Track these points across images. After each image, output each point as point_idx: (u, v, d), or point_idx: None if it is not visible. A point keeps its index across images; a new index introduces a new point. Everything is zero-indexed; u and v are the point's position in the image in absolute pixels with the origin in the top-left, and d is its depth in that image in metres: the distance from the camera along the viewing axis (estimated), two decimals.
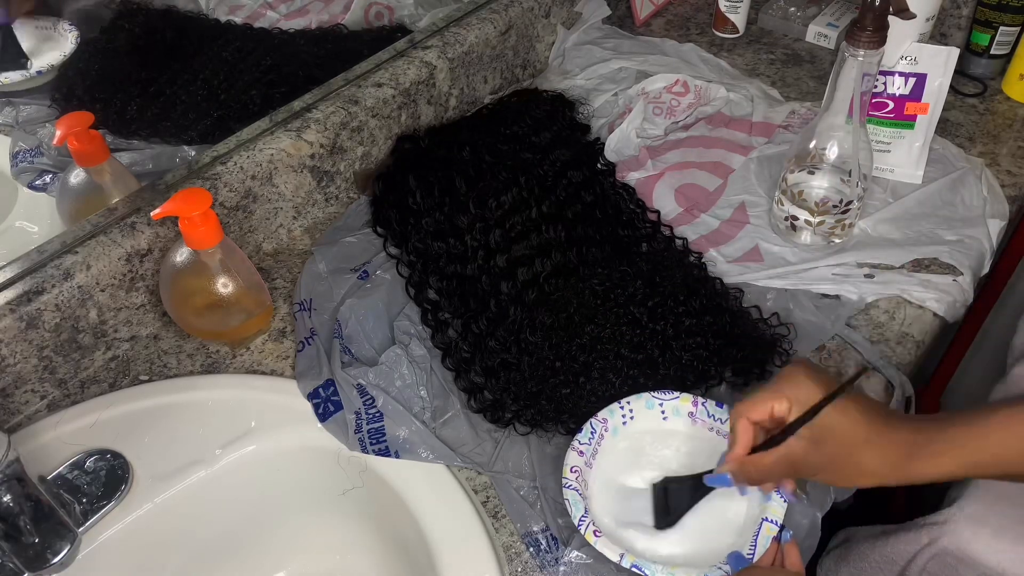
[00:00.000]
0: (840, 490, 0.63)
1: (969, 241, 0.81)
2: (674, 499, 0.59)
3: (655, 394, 0.65)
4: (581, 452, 0.61)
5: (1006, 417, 0.52)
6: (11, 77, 0.70)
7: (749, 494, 0.59)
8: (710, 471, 0.58)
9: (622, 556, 0.55)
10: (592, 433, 0.63)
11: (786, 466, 0.54)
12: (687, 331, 0.70)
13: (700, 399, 0.64)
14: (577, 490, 0.59)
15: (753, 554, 0.56)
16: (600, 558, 0.58)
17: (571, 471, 0.60)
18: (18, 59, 0.70)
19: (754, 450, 0.56)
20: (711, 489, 0.58)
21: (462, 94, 0.97)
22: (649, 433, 0.65)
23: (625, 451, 0.64)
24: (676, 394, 0.65)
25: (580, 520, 0.57)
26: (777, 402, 0.54)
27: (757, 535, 0.57)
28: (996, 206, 0.85)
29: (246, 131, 0.81)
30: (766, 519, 0.57)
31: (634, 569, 0.55)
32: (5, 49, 0.70)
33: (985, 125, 0.97)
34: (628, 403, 0.64)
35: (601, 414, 0.64)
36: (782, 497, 0.58)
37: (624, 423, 0.64)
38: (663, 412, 0.65)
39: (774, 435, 0.55)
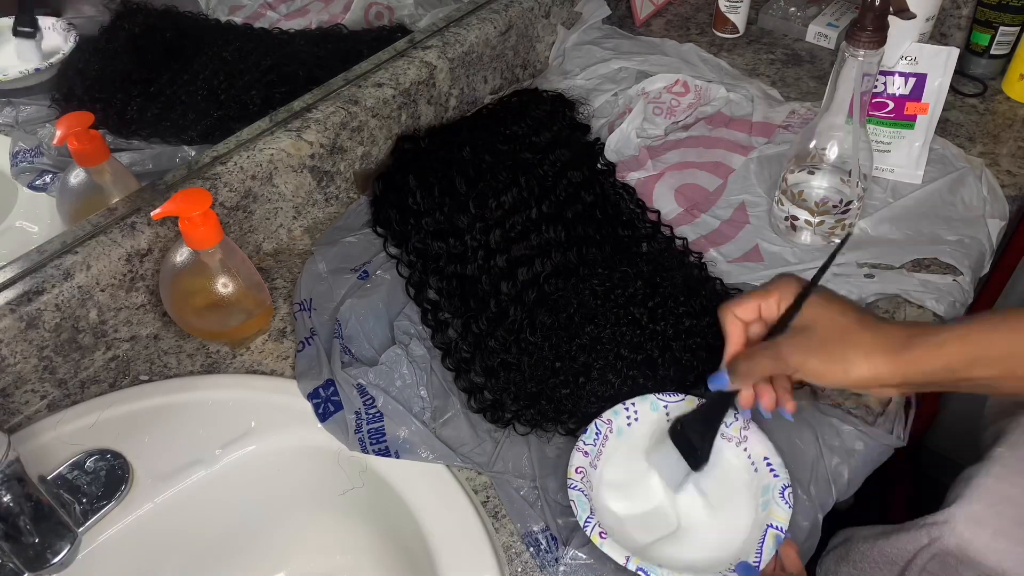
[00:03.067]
0: (841, 489, 0.63)
1: (969, 241, 0.81)
2: (694, 435, 0.60)
3: (660, 396, 0.65)
4: (586, 453, 0.61)
5: (1012, 315, 0.50)
6: (9, 74, 0.70)
7: (749, 416, 0.60)
8: (716, 396, 0.59)
9: (628, 558, 0.55)
10: (597, 434, 0.63)
11: (774, 355, 0.53)
12: (687, 332, 0.70)
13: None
14: (583, 491, 0.59)
15: (759, 562, 0.56)
16: (600, 558, 0.58)
17: (576, 472, 0.60)
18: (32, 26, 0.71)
19: None
20: (724, 411, 0.60)
21: (462, 94, 0.97)
22: (653, 435, 0.64)
23: (629, 453, 0.64)
24: (681, 397, 0.65)
25: (586, 521, 0.57)
26: (764, 300, 0.55)
27: (763, 542, 0.57)
28: (996, 206, 0.85)
29: (246, 131, 0.81)
30: (771, 526, 0.57)
31: (640, 572, 0.55)
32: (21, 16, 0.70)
33: (985, 125, 0.97)
34: (633, 404, 0.64)
35: (606, 415, 0.64)
36: (789, 503, 0.58)
37: (628, 424, 0.64)
38: (667, 414, 0.65)
39: (763, 336, 0.56)
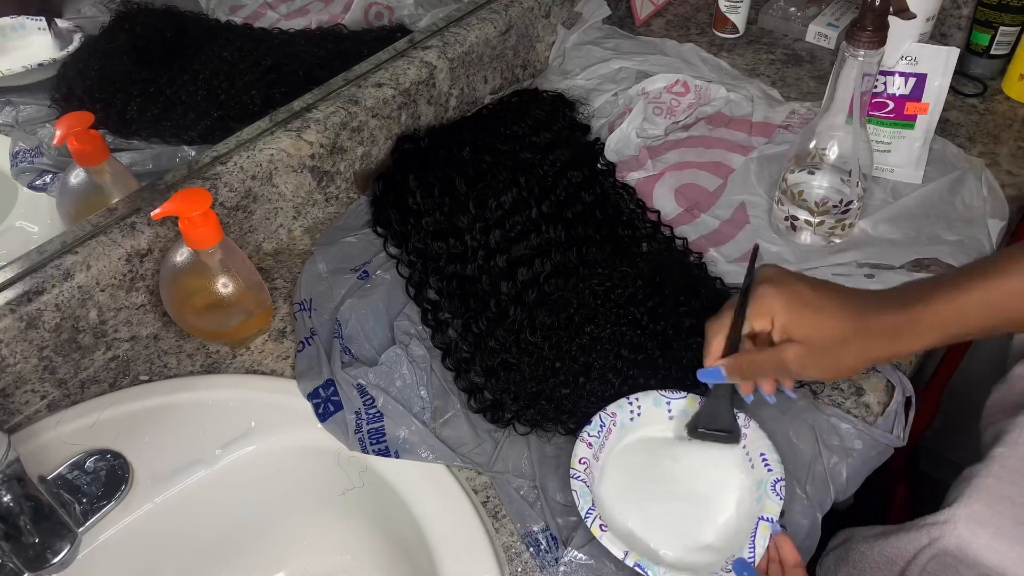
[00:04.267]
0: (840, 489, 0.63)
1: (969, 241, 0.81)
2: (717, 420, 0.63)
3: (663, 393, 0.65)
4: (590, 444, 0.62)
5: (980, 291, 0.55)
6: (12, 68, 0.70)
7: (752, 400, 0.62)
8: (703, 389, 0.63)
9: (626, 554, 0.55)
10: (601, 426, 0.63)
11: (782, 368, 0.57)
12: (687, 331, 0.70)
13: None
14: (585, 482, 0.59)
15: (753, 556, 0.56)
16: (600, 558, 0.58)
17: (580, 462, 0.60)
18: None
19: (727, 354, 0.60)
20: (730, 388, 0.62)
21: (462, 94, 0.97)
22: (656, 430, 0.65)
23: (632, 447, 0.64)
24: (683, 394, 0.65)
25: (587, 513, 0.57)
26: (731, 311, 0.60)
27: (755, 536, 0.57)
28: (996, 206, 0.85)
29: (246, 131, 0.81)
30: (762, 518, 0.57)
31: (637, 568, 0.55)
32: None
33: (985, 125, 0.97)
34: (636, 399, 0.65)
35: (610, 408, 0.64)
36: (781, 498, 0.58)
37: (631, 419, 0.64)
38: (670, 411, 0.65)
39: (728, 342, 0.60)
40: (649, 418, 0.65)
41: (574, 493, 0.58)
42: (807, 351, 0.57)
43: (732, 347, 0.60)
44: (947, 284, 0.57)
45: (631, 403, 0.64)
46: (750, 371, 0.59)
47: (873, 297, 0.58)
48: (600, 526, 0.56)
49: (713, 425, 0.62)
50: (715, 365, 0.60)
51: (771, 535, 0.57)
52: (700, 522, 0.60)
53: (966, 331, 0.57)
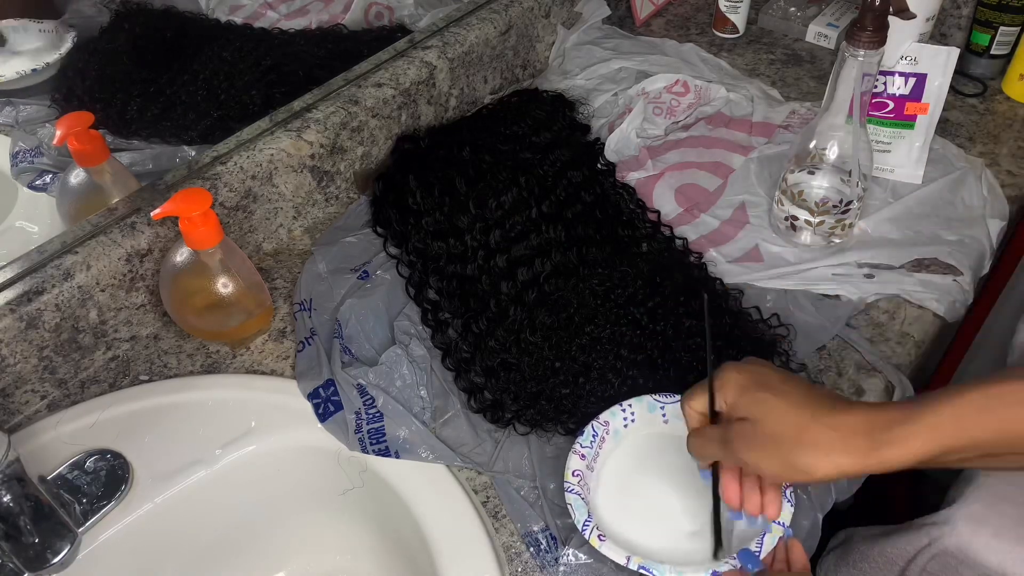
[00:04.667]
0: (841, 490, 0.63)
1: (969, 241, 0.81)
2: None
3: (656, 397, 0.65)
4: (583, 456, 0.61)
5: (981, 397, 0.47)
6: (6, 75, 0.70)
7: (742, 518, 0.57)
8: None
9: (628, 558, 0.55)
10: (594, 436, 0.63)
11: (725, 446, 0.52)
12: (687, 332, 0.70)
13: None
14: (580, 494, 0.59)
15: (760, 549, 0.56)
16: (600, 557, 0.58)
17: (573, 475, 0.60)
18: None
19: None
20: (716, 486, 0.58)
21: (462, 94, 0.97)
22: (651, 436, 0.64)
23: (627, 454, 0.64)
24: (677, 397, 0.64)
25: (584, 524, 0.57)
26: (701, 396, 0.56)
27: (763, 535, 0.57)
28: (996, 206, 0.85)
29: (246, 131, 0.81)
30: (774, 522, 0.57)
31: (641, 570, 0.55)
32: None
33: (985, 125, 0.97)
34: (629, 405, 0.64)
35: (602, 416, 0.64)
36: (792, 503, 0.58)
37: (625, 425, 0.64)
38: (664, 415, 0.64)
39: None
40: (643, 423, 0.64)
41: (569, 507, 0.58)
42: (754, 431, 0.50)
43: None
44: (939, 396, 0.48)
45: (624, 409, 0.64)
46: (698, 448, 0.55)
47: (844, 398, 0.51)
48: (599, 536, 0.56)
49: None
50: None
51: (779, 538, 0.57)
52: (701, 524, 0.60)
53: (961, 443, 0.47)
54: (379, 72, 0.88)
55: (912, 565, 0.74)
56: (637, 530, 0.59)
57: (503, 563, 0.58)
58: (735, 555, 0.55)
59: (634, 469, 0.63)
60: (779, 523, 0.57)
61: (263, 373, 0.71)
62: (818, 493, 0.62)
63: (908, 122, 0.87)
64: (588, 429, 0.63)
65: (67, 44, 0.73)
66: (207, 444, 0.65)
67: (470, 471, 0.64)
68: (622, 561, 0.55)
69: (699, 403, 0.56)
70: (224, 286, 0.69)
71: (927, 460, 0.47)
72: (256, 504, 0.68)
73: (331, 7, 0.94)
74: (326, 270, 0.78)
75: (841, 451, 0.47)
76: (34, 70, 0.71)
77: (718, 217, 0.85)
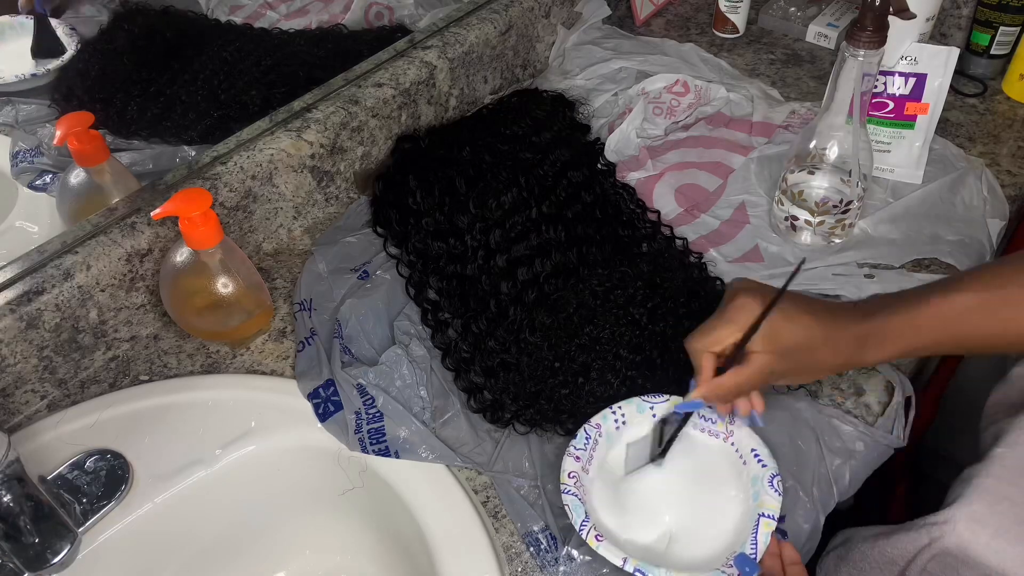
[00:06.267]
0: (843, 490, 0.63)
1: (969, 241, 0.81)
2: (664, 434, 0.63)
3: (645, 398, 0.65)
4: (577, 458, 0.61)
5: (936, 306, 0.57)
6: (6, 77, 0.70)
7: (725, 419, 0.62)
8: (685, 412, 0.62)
9: (625, 560, 0.55)
10: (587, 439, 0.63)
11: (758, 381, 0.58)
12: (686, 332, 0.70)
13: None
14: (576, 495, 0.59)
15: (756, 552, 0.56)
16: (600, 557, 0.58)
17: (569, 476, 0.60)
18: (55, 47, 0.71)
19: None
20: (686, 421, 0.62)
21: (462, 94, 0.97)
22: (642, 436, 0.65)
23: (620, 455, 0.64)
24: (666, 397, 0.65)
25: (582, 525, 0.57)
26: (732, 335, 0.58)
27: (756, 531, 0.57)
28: (996, 206, 0.85)
29: (246, 131, 0.81)
30: (763, 515, 0.57)
31: (637, 573, 0.55)
32: (41, 38, 0.70)
33: (985, 125, 0.97)
34: (620, 408, 0.64)
35: (595, 419, 0.64)
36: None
37: (617, 428, 0.64)
38: (654, 415, 0.65)
39: (729, 357, 0.59)
40: (635, 424, 0.65)
41: (567, 507, 0.58)
42: (775, 359, 0.58)
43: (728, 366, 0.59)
44: (911, 296, 0.59)
45: (614, 412, 0.64)
46: (729, 392, 0.59)
47: (843, 308, 0.60)
48: (596, 536, 0.56)
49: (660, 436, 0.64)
50: (696, 398, 0.60)
51: (772, 532, 0.57)
52: (696, 521, 0.60)
53: (922, 345, 0.58)
54: (379, 72, 0.88)
55: (912, 565, 0.74)
56: (634, 530, 0.59)
57: (503, 563, 0.58)
58: (731, 562, 0.55)
59: (628, 469, 0.63)
60: (769, 516, 0.57)
61: (263, 373, 0.71)
62: (821, 495, 0.62)
63: (908, 122, 0.87)
64: (581, 432, 0.63)
65: (69, 48, 0.73)
66: (207, 444, 0.65)
67: (470, 471, 0.64)
68: (618, 563, 0.55)
69: (715, 343, 0.59)
70: (224, 286, 0.69)
71: (912, 352, 0.59)
72: (256, 504, 0.68)
73: (331, 7, 0.94)
74: (326, 270, 0.78)
75: (843, 359, 0.59)
76: (34, 75, 0.71)
77: (718, 217, 0.85)
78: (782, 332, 0.57)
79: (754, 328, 0.57)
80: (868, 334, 0.58)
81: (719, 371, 0.59)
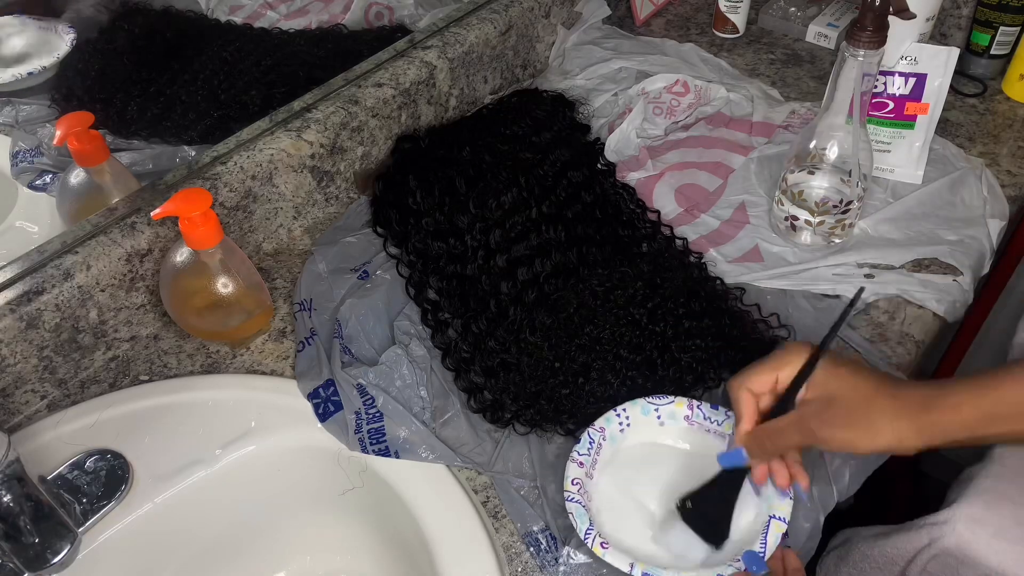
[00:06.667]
0: (842, 490, 0.63)
1: (969, 241, 0.81)
2: (709, 510, 0.58)
3: (650, 400, 0.65)
4: (581, 464, 0.61)
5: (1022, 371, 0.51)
6: (3, 77, 0.70)
7: (762, 494, 0.58)
8: (728, 469, 0.58)
9: (632, 565, 0.55)
10: (590, 443, 0.62)
11: (802, 429, 0.53)
12: (687, 333, 0.70)
13: (696, 403, 0.64)
14: (580, 502, 0.59)
15: (764, 551, 0.56)
16: (600, 557, 0.58)
17: (572, 483, 0.60)
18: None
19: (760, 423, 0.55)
20: (739, 487, 0.58)
21: (462, 94, 0.97)
22: (647, 439, 0.64)
23: (624, 459, 0.64)
24: (671, 399, 0.65)
25: (586, 533, 0.57)
26: (779, 371, 0.54)
27: (766, 533, 0.57)
28: (996, 206, 0.85)
29: (246, 131, 0.81)
30: (773, 516, 0.57)
31: None
32: None
33: (985, 125, 0.97)
34: (624, 410, 0.64)
35: (598, 423, 0.63)
36: (792, 497, 0.58)
37: (621, 430, 0.64)
38: (659, 417, 0.64)
39: (775, 405, 0.54)
40: (639, 427, 0.64)
41: (570, 515, 0.58)
42: (830, 406, 0.52)
43: (773, 414, 0.54)
44: (985, 370, 0.53)
45: (619, 414, 0.64)
46: (772, 444, 0.54)
47: (901, 378, 0.56)
48: (601, 544, 0.56)
49: (703, 515, 0.58)
50: (738, 445, 0.55)
51: (781, 535, 0.57)
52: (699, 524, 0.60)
53: (1005, 412, 0.51)
54: (379, 72, 0.88)
55: (912, 565, 0.74)
56: (638, 535, 0.59)
57: (503, 563, 0.58)
58: (739, 558, 0.55)
59: (633, 472, 0.63)
60: (780, 518, 0.57)
61: (263, 373, 0.71)
62: (821, 495, 0.62)
63: (908, 122, 0.87)
64: (584, 437, 0.63)
65: (65, 46, 0.73)
66: (207, 444, 0.65)
67: (470, 471, 0.64)
68: (626, 568, 0.55)
69: (760, 384, 0.55)
70: (224, 286, 0.69)
71: (974, 427, 0.51)
72: (256, 504, 0.68)
73: (331, 7, 0.94)
74: (326, 270, 0.78)
75: (902, 418, 0.51)
76: (30, 73, 0.71)
77: (718, 217, 0.85)
78: (831, 379, 0.53)
79: (803, 374, 0.53)
80: (933, 394, 0.52)
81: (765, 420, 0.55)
